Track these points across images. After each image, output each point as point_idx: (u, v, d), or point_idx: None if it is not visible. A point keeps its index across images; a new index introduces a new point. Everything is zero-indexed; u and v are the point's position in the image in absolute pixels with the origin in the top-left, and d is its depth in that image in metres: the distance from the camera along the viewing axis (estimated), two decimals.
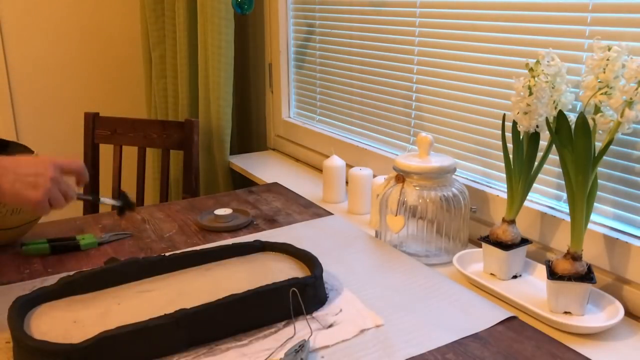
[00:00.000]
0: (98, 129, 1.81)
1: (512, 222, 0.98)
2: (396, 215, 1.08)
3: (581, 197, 0.85)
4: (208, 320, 0.79)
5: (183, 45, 1.99)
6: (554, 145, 0.91)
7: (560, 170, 0.89)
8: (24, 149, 1.20)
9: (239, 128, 2.20)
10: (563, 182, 0.91)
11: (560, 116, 0.86)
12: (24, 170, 0.84)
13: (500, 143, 1.10)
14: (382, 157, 1.45)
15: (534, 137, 0.96)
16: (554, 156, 1.01)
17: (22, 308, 0.81)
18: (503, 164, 1.00)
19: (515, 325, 0.84)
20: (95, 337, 0.72)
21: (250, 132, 2.20)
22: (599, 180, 0.92)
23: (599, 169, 0.95)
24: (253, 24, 2.03)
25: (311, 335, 0.81)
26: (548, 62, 0.92)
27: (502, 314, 0.87)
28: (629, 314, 0.90)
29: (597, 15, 0.94)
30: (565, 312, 0.87)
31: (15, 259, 1.07)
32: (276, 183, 1.53)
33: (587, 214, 0.87)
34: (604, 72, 0.84)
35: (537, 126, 0.94)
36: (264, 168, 1.77)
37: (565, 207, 0.99)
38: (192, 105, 2.06)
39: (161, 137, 1.76)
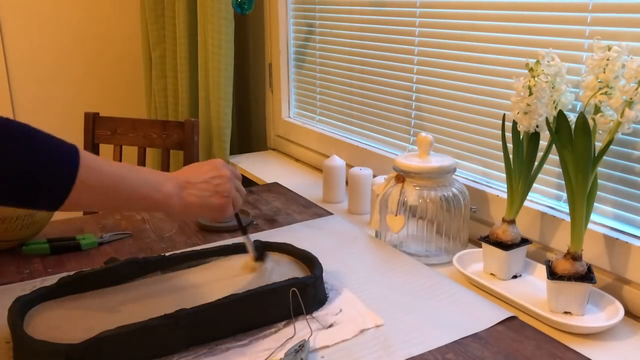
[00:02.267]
0: (98, 129, 1.81)
1: (512, 222, 0.98)
2: (396, 215, 1.08)
3: (581, 197, 0.85)
4: (208, 320, 0.79)
5: (183, 45, 1.99)
6: (554, 145, 0.91)
7: (560, 170, 0.89)
8: None
9: (239, 128, 2.20)
10: (563, 182, 0.91)
11: (560, 116, 0.86)
12: (202, 178, 0.82)
13: (500, 143, 1.10)
14: (382, 157, 1.45)
15: (534, 137, 0.96)
16: (554, 156, 1.01)
17: (22, 308, 0.81)
18: (503, 164, 1.00)
19: (515, 325, 0.84)
20: (95, 337, 0.72)
21: (250, 132, 2.20)
22: (599, 180, 0.92)
23: (599, 169, 0.95)
24: (253, 24, 2.03)
25: (311, 335, 0.81)
26: (548, 62, 0.92)
27: (502, 314, 0.87)
28: (629, 314, 0.90)
29: (597, 15, 0.94)
30: (565, 312, 0.87)
31: (15, 259, 1.07)
32: (276, 183, 1.53)
33: (587, 214, 0.87)
34: (604, 72, 0.84)
35: (537, 126, 0.94)
36: (264, 168, 1.77)
37: (565, 207, 0.99)
38: (192, 105, 2.06)
39: (161, 137, 1.76)
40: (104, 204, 0.74)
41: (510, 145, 0.99)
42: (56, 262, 1.05)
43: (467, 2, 1.17)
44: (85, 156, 0.70)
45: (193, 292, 0.89)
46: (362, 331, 0.82)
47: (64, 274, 0.93)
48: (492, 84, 1.14)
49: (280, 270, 0.95)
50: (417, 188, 1.07)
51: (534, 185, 1.02)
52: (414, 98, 1.36)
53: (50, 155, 0.67)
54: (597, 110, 0.87)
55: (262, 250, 0.96)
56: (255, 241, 1.03)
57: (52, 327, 0.79)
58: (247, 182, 1.77)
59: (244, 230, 0.95)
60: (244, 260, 0.99)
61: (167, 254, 0.98)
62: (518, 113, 0.95)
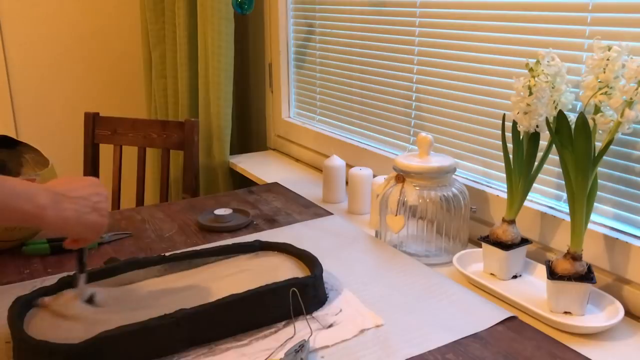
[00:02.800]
0: (98, 129, 1.81)
1: (512, 222, 0.98)
2: (396, 215, 1.08)
3: (581, 197, 0.85)
4: (208, 320, 0.79)
5: (183, 45, 1.99)
6: (554, 145, 0.91)
7: (560, 170, 0.89)
8: (33, 151, 1.20)
9: (239, 128, 2.20)
10: (563, 182, 0.91)
11: (560, 116, 0.86)
12: (80, 193, 0.78)
13: (500, 143, 1.10)
14: (382, 157, 1.45)
15: (534, 137, 0.96)
16: (554, 156, 1.01)
17: (22, 308, 0.81)
18: (503, 164, 1.00)
19: (515, 325, 0.84)
20: (95, 337, 0.72)
21: (250, 132, 2.20)
22: (599, 180, 0.92)
23: (599, 169, 0.95)
24: (253, 24, 2.03)
25: (311, 335, 0.81)
26: (548, 62, 0.92)
27: (502, 314, 0.87)
28: (629, 314, 0.90)
29: (597, 15, 0.94)
30: (565, 312, 0.87)
31: (15, 259, 1.07)
32: (276, 183, 1.53)
33: (587, 214, 0.87)
34: (604, 72, 0.84)
35: (537, 126, 0.94)
36: (264, 168, 1.77)
37: (565, 207, 0.99)
38: (192, 105, 2.06)
39: (161, 137, 1.76)
40: None
41: (510, 145, 0.99)
42: (56, 262, 1.05)
43: (467, 2, 1.17)
44: None
45: (193, 292, 0.89)
46: (362, 331, 0.82)
47: (64, 274, 0.93)
48: (492, 84, 1.14)
49: (281, 270, 0.95)
50: (417, 188, 1.07)
51: (534, 185, 1.02)
52: (414, 98, 1.36)
53: None
54: (597, 110, 0.87)
55: (91, 297, 0.85)
56: (255, 241, 1.03)
57: (52, 327, 0.79)
58: (247, 182, 1.77)
59: (81, 268, 0.86)
60: (243, 260, 0.99)
61: (167, 254, 0.98)
62: (518, 113, 0.95)
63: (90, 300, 0.85)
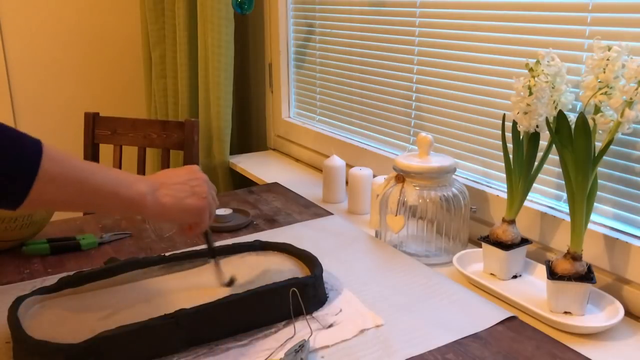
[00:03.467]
0: (98, 129, 1.81)
1: (512, 222, 0.98)
2: (396, 215, 1.08)
3: (581, 197, 0.85)
4: (208, 320, 0.79)
5: (183, 45, 1.99)
6: (554, 145, 0.91)
7: (560, 170, 0.89)
8: None
9: (239, 128, 2.20)
10: (563, 182, 0.91)
11: (560, 116, 0.86)
12: (177, 179, 0.79)
13: (500, 143, 1.10)
14: (382, 157, 1.45)
15: (534, 137, 0.96)
16: (554, 156, 1.01)
17: (22, 308, 0.81)
18: (503, 164, 1.00)
19: (515, 325, 0.84)
20: (95, 337, 0.72)
21: (250, 132, 2.20)
22: (599, 180, 0.92)
23: (599, 169, 0.95)
24: (253, 24, 2.03)
25: (311, 335, 0.81)
26: (548, 62, 0.92)
27: (502, 314, 0.87)
28: (629, 314, 0.90)
29: (597, 15, 0.94)
30: (565, 312, 0.87)
31: (15, 259, 1.07)
32: (276, 183, 1.53)
33: (587, 214, 0.87)
34: (604, 72, 0.84)
35: (537, 126, 0.94)
36: (264, 168, 1.77)
37: (565, 207, 0.99)
38: (192, 105, 2.06)
39: (161, 137, 1.76)
40: (71, 200, 0.70)
41: (510, 145, 0.99)
42: (56, 262, 1.05)
43: (467, 2, 1.17)
44: (50, 149, 0.67)
45: (193, 292, 0.89)
46: (362, 331, 0.82)
47: (64, 274, 0.93)
48: (492, 84, 1.14)
49: (280, 270, 0.95)
50: (417, 188, 1.07)
51: (534, 185, 1.02)
52: (414, 98, 1.36)
53: (12, 146, 0.64)
54: (597, 110, 0.87)
55: (232, 279, 0.90)
56: (255, 241, 1.03)
57: (52, 327, 0.79)
58: (247, 182, 1.77)
59: (213, 252, 0.90)
60: (243, 260, 0.99)
61: (167, 254, 0.98)
62: (518, 113, 0.95)
63: (230, 284, 0.89)
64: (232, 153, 1.96)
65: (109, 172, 0.73)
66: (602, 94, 0.85)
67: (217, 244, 1.10)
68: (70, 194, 0.69)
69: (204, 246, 1.06)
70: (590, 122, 0.84)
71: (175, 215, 0.78)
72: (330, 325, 0.84)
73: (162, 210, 0.76)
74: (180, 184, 0.79)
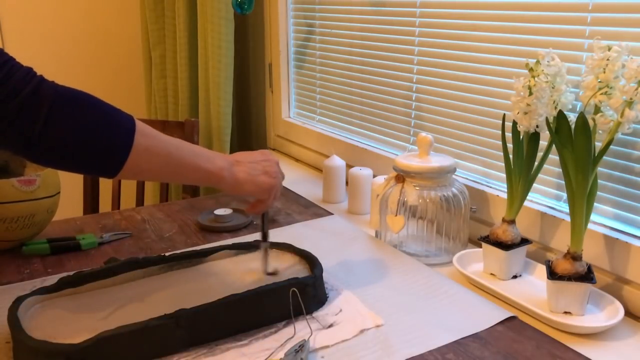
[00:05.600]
0: None
1: (512, 222, 0.98)
2: (396, 215, 1.08)
3: (581, 197, 0.85)
4: (208, 320, 0.79)
5: (183, 45, 1.99)
6: (554, 145, 0.91)
7: (560, 170, 0.89)
8: None
9: (239, 128, 2.19)
10: (563, 182, 0.91)
11: (560, 116, 0.86)
12: (252, 158, 0.88)
13: (500, 143, 1.10)
14: (382, 157, 1.45)
15: (534, 137, 0.96)
16: (554, 156, 1.01)
17: (22, 308, 0.81)
18: (503, 164, 1.00)
19: (515, 325, 0.84)
20: (95, 337, 0.72)
21: (250, 132, 2.20)
22: (599, 180, 0.92)
23: (599, 169, 0.95)
24: (253, 24, 2.03)
25: (311, 335, 0.81)
26: (548, 62, 0.92)
27: (502, 314, 0.87)
28: (629, 314, 0.90)
29: (597, 15, 0.94)
30: (565, 312, 0.87)
31: (15, 259, 1.07)
32: None
33: (587, 214, 0.87)
34: (604, 72, 0.84)
35: (537, 126, 0.94)
36: None
37: (565, 207, 0.99)
38: (192, 105, 2.06)
39: None
40: (159, 170, 0.78)
41: (510, 145, 0.99)
42: (56, 262, 1.05)
43: (467, 2, 1.17)
44: (141, 124, 0.75)
45: (193, 292, 0.89)
46: (362, 331, 0.82)
47: (64, 274, 0.93)
48: (492, 84, 1.14)
49: (280, 270, 0.95)
50: (417, 188, 1.07)
51: (534, 185, 1.02)
52: (414, 98, 1.36)
53: (110, 121, 0.72)
54: (597, 110, 0.87)
55: (276, 270, 0.95)
56: (255, 241, 1.03)
57: (52, 327, 0.79)
58: None
59: (265, 237, 0.96)
60: (244, 260, 0.99)
61: (167, 254, 0.98)
62: (518, 113, 0.95)
63: (273, 273, 0.93)
64: (232, 153, 1.95)
65: (192, 147, 0.81)
66: (602, 94, 0.85)
67: (217, 244, 1.10)
68: (159, 165, 0.77)
69: (200, 247, 1.05)
70: (590, 122, 0.84)
71: (248, 189, 0.86)
72: (330, 325, 0.84)
73: (237, 183, 0.84)
74: (254, 163, 0.88)
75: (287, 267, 0.96)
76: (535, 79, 0.91)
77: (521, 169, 0.97)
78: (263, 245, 0.96)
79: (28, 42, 2.30)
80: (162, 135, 0.78)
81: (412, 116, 1.38)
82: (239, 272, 0.95)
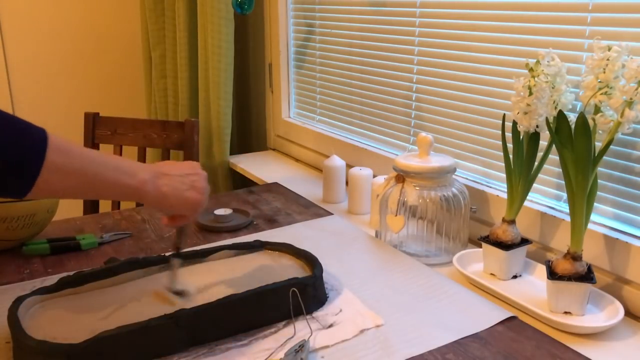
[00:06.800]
0: (98, 129, 1.81)
1: (512, 222, 0.98)
2: (396, 215, 1.08)
3: (581, 197, 0.85)
4: (208, 320, 0.79)
5: (183, 45, 1.99)
6: (554, 145, 0.91)
7: (560, 170, 0.89)
8: None
9: (239, 128, 2.20)
10: (563, 182, 0.91)
11: (560, 116, 0.86)
12: (178, 172, 0.82)
13: (500, 143, 1.10)
14: (382, 157, 1.45)
15: (534, 137, 0.96)
16: (554, 156, 1.01)
17: (22, 308, 0.81)
18: (503, 164, 1.00)
19: (515, 325, 0.84)
20: (95, 337, 0.72)
21: (250, 132, 2.20)
22: (599, 180, 0.92)
23: (599, 169, 0.95)
24: (253, 24, 2.03)
25: (311, 335, 0.81)
26: (548, 62, 0.92)
27: (502, 314, 0.87)
28: (629, 314, 0.90)
29: (597, 15, 0.94)
30: (565, 312, 0.87)
31: (15, 259, 1.07)
32: (276, 183, 1.53)
33: (587, 214, 0.87)
34: (604, 72, 0.84)
35: (537, 126, 0.94)
36: (264, 168, 1.77)
37: (565, 207, 0.99)
38: (192, 105, 2.06)
39: (161, 137, 1.75)
40: (76, 188, 0.72)
41: (510, 145, 0.99)
42: (56, 262, 1.05)
43: (467, 2, 1.17)
44: (55, 139, 0.68)
45: (193, 292, 0.89)
46: (362, 331, 0.82)
47: (64, 274, 0.93)
48: (492, 84, 1.14)
49: (281, 270, 0.95)
50: (417, 188, 1.07)
51: (534, 185, 1.02)
52: (414, 98, 1.36)
53: (18, 136, 0.65)
54: (597, 110, 0.87)
55: (185, 290, 0.88)
56: (255, 241, 1.03)
57: (52, 327, 0.79)
58: (247, 182, 1.77)
59: (177, 249, 0.90)
60: (244, 260, 0.99)
61: (167, 254, 0.98)
62: (518, 113, 0.95)
63: (181, 294, 0.87)
64: (232, 153, 1.96)
65: (111, 161, 0.75)
66: (602, 94, 0.85)
67: (217, 244, 1.10)
68: (74, 182, 0.71)
69: (200, 247, 1.05)
70: (590, 122, 0.84)
71: (172, 204, 0.80)
72: (330, 325, 0.84)
73: (161, 197, 0.79)
74: (182, 176, 0.82)
75: (201, 289, 0.89)
76: (535, 79, 0.91)
77: (521, 169, 0.97)
78: (173, 261, 0.89)
79: (28, 42, 2.30)
80: (79, 149, 0.71)
81: (412, 116, 1.38)
82: (240, 272, 0.95)
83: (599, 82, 0.85)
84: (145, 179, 0.77)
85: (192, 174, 0.83)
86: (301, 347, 0.75)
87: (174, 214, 0.84)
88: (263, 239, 1.05)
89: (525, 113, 0.94)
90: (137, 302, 0.86)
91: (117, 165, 0.75)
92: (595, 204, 0.94)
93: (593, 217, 0.96)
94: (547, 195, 1.07)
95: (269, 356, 0.76)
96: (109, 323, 0.79)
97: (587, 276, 0.86)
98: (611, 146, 0.86)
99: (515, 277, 1.00)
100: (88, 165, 0.71)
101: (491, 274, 1.01)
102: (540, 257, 1.04)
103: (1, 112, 0.65)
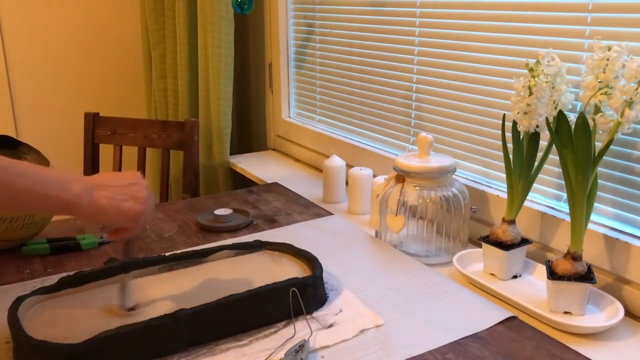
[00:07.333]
0: (98, 129, 1.81)
1: (512, 222, 0.98)
2: (396, 215, 1.08)
3: (581, 197, 0.85)
4: (208, 320, 0.79)
5: (183, 45, 1.99)
6: (554, 145, 0.91)
7: (560, 170, 0.89)
8: (34, 152, 1.20)
9: (239, 128, 2.20)
10: (563, 182, 0.91)
11: (560, 116, 0.86)
12: (118, 181, 0.78)
13: (500, 143, 1.10)
14: (382, 157, 1.45)
15: (534, 137, 0.96)
16: (554, 156, 1.01)
17: (23, 308, 0.81)
18: (503, 164, 1.00)
19: (515, 325, 0.84)
20: (95, 337, 0.72)
21: (250, 132, 2.20)
22: (599, 180, 0.92)
23: (599, 169, 0.95)
24: (253, 24, 2.03)
25: (311, 335, 0.81)
26: (548, 62, 0.92)
27: (502, 314, 0.87)
28: (629, 314, 0.90)
29: (597, 15, 0.94)
30: (565, 312, 0.87)
31: (15, 259, 1.07)
32: (276, 183, 1.53)
33: (587, 214, 0.87)
34: (604, 72, 0.84)
35: (537, 126, 0.94)
36: (264, 168, 1.77)
37: (565, 207, 0.99)
38: (192, 105, 2.06)
39: (161, 137, 1.76)
40: (3, 203, 0.69)
41: (510, 145, 0.99)
42: (56, 262, 1.05)
43: (467, 2, 1.17)
44: None
45: (193, 292, 0.89)
46: (362, 331, 0.82)
47: (64, 274, 0.93)
48: (492, 84, 1.14)
49: (281, 270, 0.95)
50: (417, 188, 1.07)
51: (534, 185, 1.02)
52: (414, 98, 1.36)
53: None
54: (597, 110, 0.87)
55: (136, 305, 0.85)
56: (255, 241, 1.03)
57: (52, 327, 0.79)
58: (247, 182, 1.77)
59: (125, 267, 0.86)
60: (244, 260, 0.99)
61: (167, 254, 0.98)
62: (518, 113, 0.95)
63: (132, 309, 0.84)
64: (232, 153, 1.96)
65: (40, 174, 0.72)
66: (602, 94, 0.85)
67: (217, 244, 1.10)
68: (1, 197, 0.68)
69: (200, 247, 1.05)
70: (590, 122, 0.84)
71: (110, 217, 0.77)
72: (330, 325, 0.84)
73: (99, 211, 0.75)
74: (120, 187, 0.78)
75: (150, 302, 0.85)
76: (535, 79, 0.91)
77: (521, 169, 0.97)
78: (123, 277, 0.85)
79: (28, 43, 2.30)
80: (7, 162, 0.69)
81: (412, 116, 1.38)
82: (240, 272, 0.95)
83: (599, 82, 0.85)
84: (79, 192, 0.73)
85: (132, 184, 0.79)
86: (301, 347, 0.75)
87: (115, 226, 0.80)
88: (263, 239, 1.05)
89: (525, 113, 0.94)
90: (137, 301, 0.86)
91: (49, 178, 0.72)
92: (595, 204, 0.94)
93: (593, 217, 0.96)
94: (547, 195, 1.07)
95: (269, 356, 0.76)
96: (109, 323, 0.79)
97: (587, 276, 0.86)
98: (611, 146, 0.86)
99: (515, 277, 1.00)
100: (16, 178, 0.69)
101: (491, 274, 1.01)
102: (540, 257, 1.04)
103: None
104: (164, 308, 0.79)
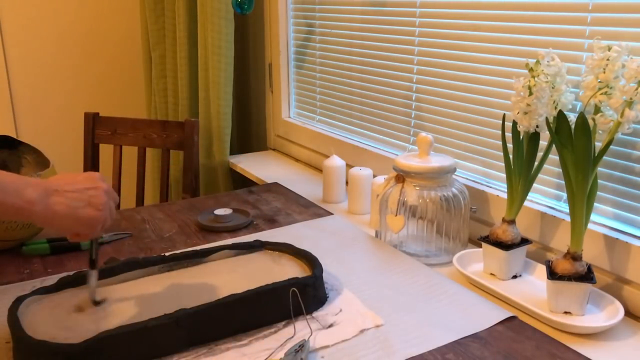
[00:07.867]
0: (98, 129, 1.81)
1: (512, 222, 0.98)
2: (396, 215, 1.08)
3: (581, 197, 0.85)
4: (208, 320, 0.79)
5: (183, 45, 1.99)
6: (554, 145, 0.91)
7: (560, 170, 0.89)
8: (34, 151, 1.20)
9: (239, 128, 2.20)
10: (563, 182, 0.91)
11: (560, 116, 0.86)
12: (74, 187, 0.75)
13: (500, 143, 1.10)
14: (382, 157, 1.45)
15: (534, 137, 0.96)
16: (554, 156, 1.01)
17: (22, 308, 0.81)
18: (503, 164, 1.00)
19: (515, 325, 0.84)
20: (95, 337, 0.72)
21: (250, 132, 2.20)
22: (599, 180, 0.92)
23: (599, 169, 0.95)
24: (253, 24, 2.03)
25: (311, 335, 0.81)
26: (548, 62, 0.92)
27: (502, 314, 0.87)
28: (629, 314, 0.90)
29: (597, 15, 0.94)
30: (565, 312, 0.87)
31: (15, 259, 1.07)
32: (276, 183, 1.53)
33: (587, 214, 0.87)
34: (604, 72, 0.84)
35: (537, 126, 0.94)
36: (264, 168, 1.77)
37: (565, 207, 0.99)
38: (192, 105, 2.06)
39: (161, 137, 1.76)
40: None
41: (510, 145, 0.99)
42: (56, 262, 1.05)
43: (467, 2, 1.17)
44: None
45: (193, 292, 0.89)
46: (362, 331, 0.82)
47: (64, 274, 0.93)
48: (492, 84, 1.14)
49: (281, 270, 0.95)
50: (417, 188, 1.07)
51: (534, 185, 1.02)
52: (414, 98, 1.36)
53: None
54: (597, 110, 0.87)
55: (102, 300, 0.86)
56: (255, 241, 1.03)
57: (52, 327, 0.79)
58: (247, 182, 1.77)
59: (93, 263, 0.85)
60: (244, 260, 0.99)
61: (167, 254, 0.98)
62: (518, 113, 0.95)
63: (99, 303, 0.85)
64: (232, 153, 1.96)
65: None
66: (602, 94, 0.85)
67: (217, 244, 1.10)
68: None
69: (200, 247, 1.05)
70: (590, 122, 0.84)
71: (66, 224, 0.75)
72: (330, 325, 0.84)
73: (53, 217, 0.73)
74: (77, 192, 0.76)
75: (150, 302, 0.86)
76: (535, 79, 0.91)
77: (521, 169, 0.97)
78: (89, 273, 0.85)
79: (28, 43, 2.30)
80: None
81: (412, 116, 1.38)
82: (239, 272, 0.95)
83: (599, 82, 0.85)
84: (33, 199, 0.70)
85: (90, 188, 0.77)
86: (301, 347, 0.75)
87: (71, 232, 0.78)
88: (263, 239, 1.05)
89: (525, 113, 0.94)
90: (137, 301, 0.86)
91: (6, 184, 0.69)
92: (595, 204, 0.94)
93: (593, 217, 0.96)
94: (547, 195, 1.07)
95: (269, 356, 0.76)
96: (109, 323, 0.79)
97: (587, 276, 0.86)
98: (611, 146, 0.86)
99: (515, 277, 1.00)
100: None
101: (491, 274, 1.01)
102: (540, 257, 1.04)
103: None
104: (163, 308, 0.79)
